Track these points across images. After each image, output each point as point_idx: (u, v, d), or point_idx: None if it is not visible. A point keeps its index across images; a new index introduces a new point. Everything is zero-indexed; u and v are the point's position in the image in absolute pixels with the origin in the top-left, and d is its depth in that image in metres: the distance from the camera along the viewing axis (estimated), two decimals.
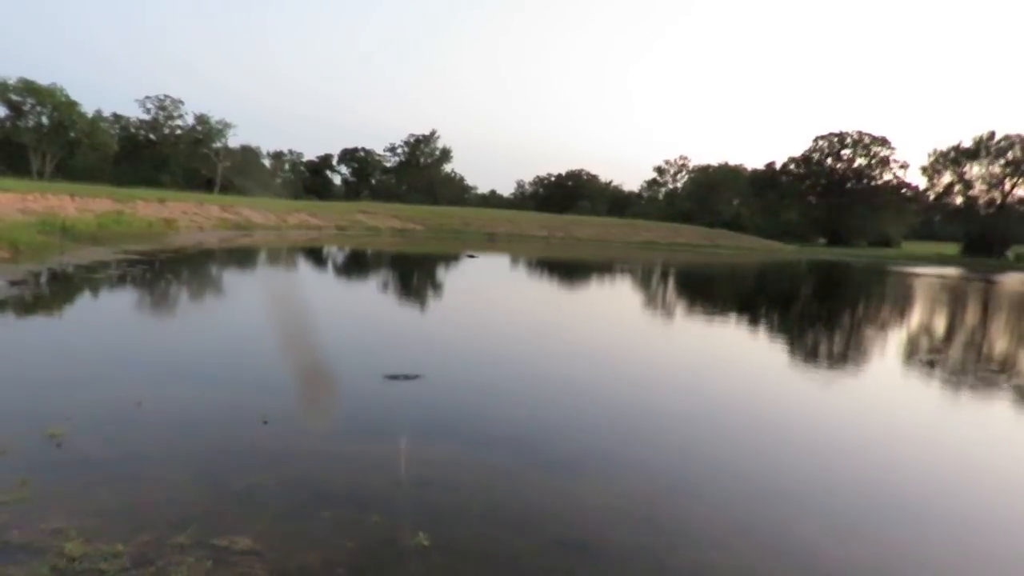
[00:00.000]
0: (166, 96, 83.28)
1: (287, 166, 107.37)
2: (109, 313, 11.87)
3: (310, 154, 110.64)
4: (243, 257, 25.90)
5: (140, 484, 4.62)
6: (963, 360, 13.30)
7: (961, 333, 17.96)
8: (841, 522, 4.90)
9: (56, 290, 13.83)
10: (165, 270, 18.21)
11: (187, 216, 36.96)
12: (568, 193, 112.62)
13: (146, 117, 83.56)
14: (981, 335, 17.68)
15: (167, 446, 5.39)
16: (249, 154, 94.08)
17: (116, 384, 7.05)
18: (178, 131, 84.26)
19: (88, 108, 73.37)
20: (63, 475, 4.70)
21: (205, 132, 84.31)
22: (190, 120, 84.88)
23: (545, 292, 22.61)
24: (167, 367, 8.02)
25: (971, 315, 22.98)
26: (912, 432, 7.78)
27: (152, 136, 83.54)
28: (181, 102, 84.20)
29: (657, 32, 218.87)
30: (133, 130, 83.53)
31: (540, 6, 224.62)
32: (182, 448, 5.38)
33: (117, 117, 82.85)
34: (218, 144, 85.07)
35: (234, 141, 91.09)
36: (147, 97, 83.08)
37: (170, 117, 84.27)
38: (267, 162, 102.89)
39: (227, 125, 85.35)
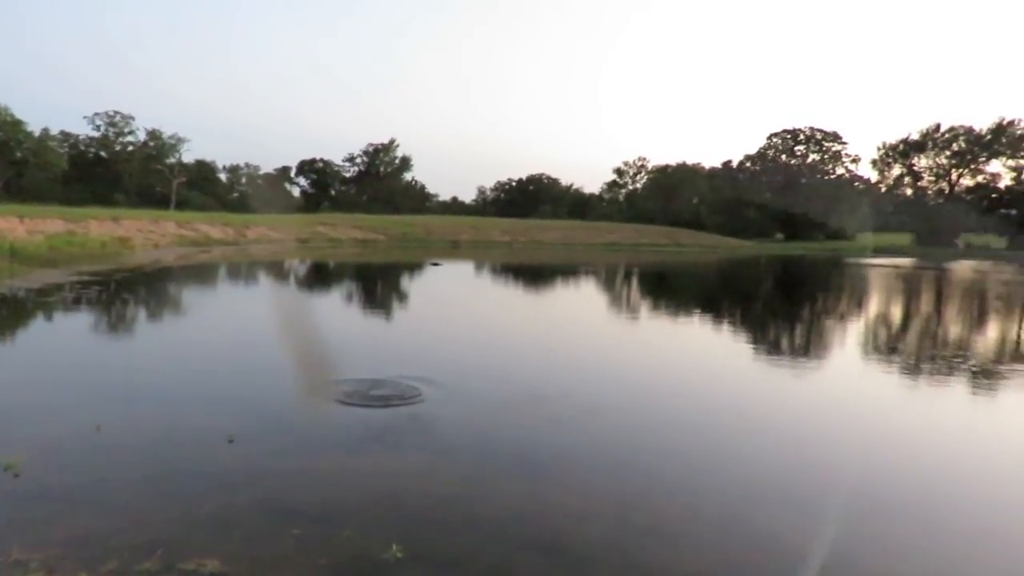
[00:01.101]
0: (116, 112, 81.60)
1: (244, 179, 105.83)
2: (64, 337, 11.55)
3: (267, 167, 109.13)
4: (202, 274, 25.44)
5: (103, 511, 4.50)
6: (922, 346, 13.68)
7: (918, 320, 18.47)
8: (811, 514, 4.99)
9: (6, 315, 13.41)
10: (121, 290, 17.79)
11: (142, 234, 36.17)
12: (530, 197, 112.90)
13: (96, 134, 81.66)
14: (937, 321, 18.20)
15: (129, 470, 5.26)
16: (205, 169, 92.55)
17: (73, 409, 6.86)
18: (130, 147, 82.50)
19: (35, 126, 71.53)
20: (22, 506, 4.55)
21: (158, 147, 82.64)
22: (142, 136, 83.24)
23: (510, 296, 22.64)
24: (126, 390, 7.83)
25: (926, 302, 23.65)
26: (877, 419, 7.96)
27: (103, 153, 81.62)
28: (132, 118, 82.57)
29: (612, 36, 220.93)
30: (83, 147, 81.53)
31: (495, 15, 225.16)
32: (145, 471, 5.25)
33: (66, 135, 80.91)
34: (172, 159, 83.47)
35: (188, 156, 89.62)
36: (96, 114, 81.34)
37: (121, 133, 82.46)
38: (223, 176, 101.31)
39: (180, 140, 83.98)
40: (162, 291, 19.68)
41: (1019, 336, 15.80)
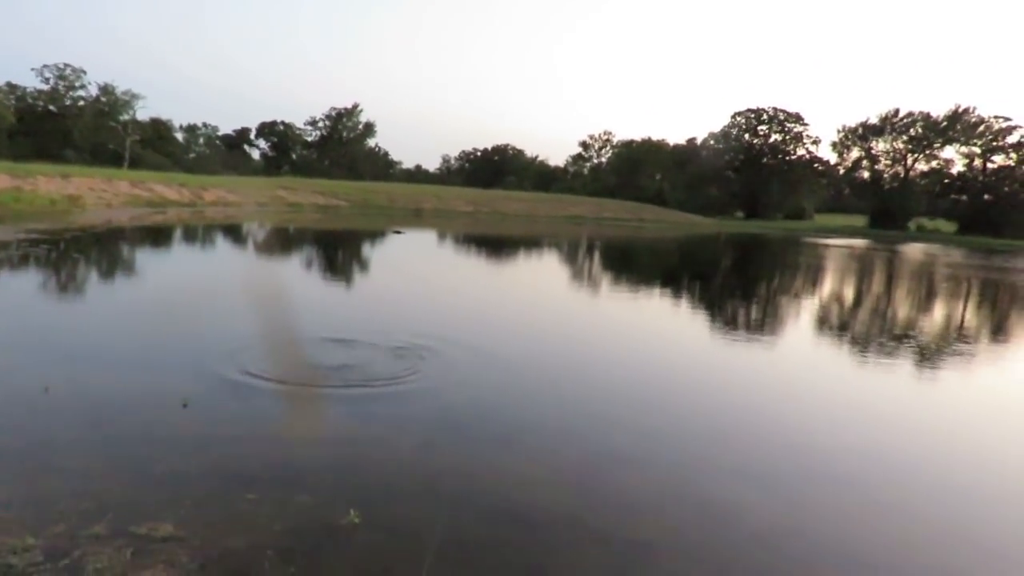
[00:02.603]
0: (66, 65, 77.78)
1: (202, 140, 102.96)
2: (10, 297, 11.15)
3: (226, 127, 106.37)
4: (156, 236, 24.75)
5: (50, 474, 4.39)
6: (871, 322, 14.07)
7: (869, 297, 18.97)
8: (765, 485, 5.12)
9: None
10: (71, 250, 17.22)
11: (94, 193, 34.96)
12: (494, 168, 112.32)
13: (44, 87, 78.02)
14: (887, 299, 18.72)
15: (78, 433, 5.13)
16: (160, 128, 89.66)
17: (20, 370, 6.65)
18: (81, 102, 79.05)
19: None
20: None
21: (110, 103, 79.37)
22: (94, 91, 79.70)
23: (474, 267, 22.58)
24: (76, 352, 7.61)
25: (877, 280, 24.30)
26: (832, 393, 8.20)
27: (52, 108, 78.09)
28: (83, 71, 78.97)
29: (582, 9, 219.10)
30: (31, 100, 77.85)
31: None
32: (95, 435, 5.13)
33: (12, 87, 77.13)
34: (126, 116, 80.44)
35: (143, 113, 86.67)
36: (45, 66, 77.32)
37: (71, 87, 78.78)
38: (180, 136, 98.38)
39: (134, 96, 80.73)
40: (115, 252, 19.12)
41: (952, 316, 16.36)
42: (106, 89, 79.47)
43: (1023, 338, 14.31)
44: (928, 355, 10.87)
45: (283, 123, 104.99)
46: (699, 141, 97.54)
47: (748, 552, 4.04)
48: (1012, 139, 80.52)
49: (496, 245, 31.99)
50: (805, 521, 4.56)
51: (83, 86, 79.27)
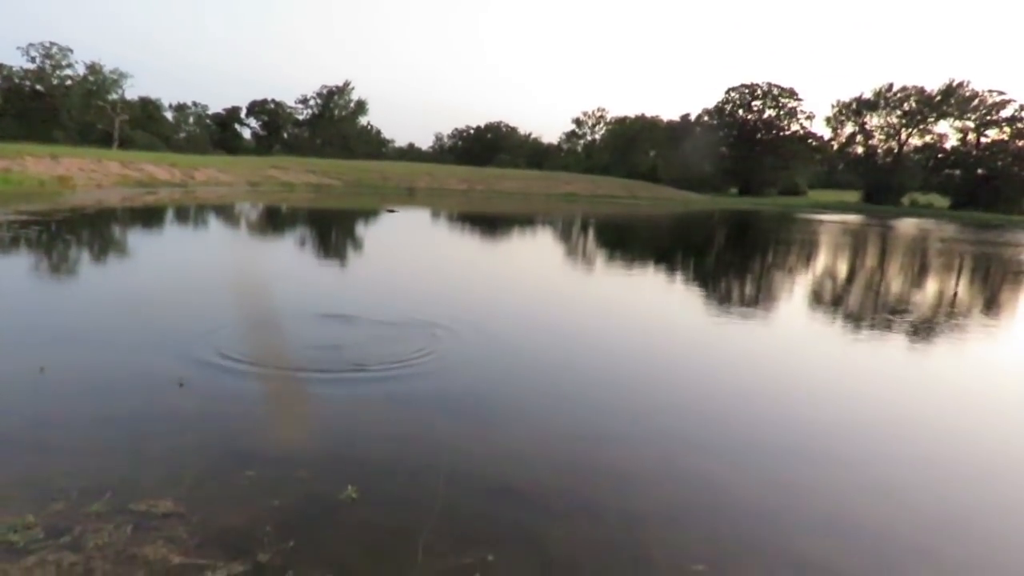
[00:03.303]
0: (52, 43, 76.79)
1: (191, 119, 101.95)
2: (2, 278, 11.11)
3: (216, 107, 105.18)
4: (148, 217, 24.61)
5: (48, 453, 4.42)
6: (864, 297, 14.16)
7: (862, 272, 19.06)
8: (757, 460, 5.19)
9: None
10: (63, 231, 17.12)
11: (84, 173, 34.70)
12: (488, 145, 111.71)
13: (31, 66, 76.97)
14: (880, 274, 18.81)
15: (75, 413, 5.15)
16: (149, 107, 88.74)
17: (15, 351, 6.66)
18: (68, 81, 78.08)
19: None
20: None
21: (98, 82, 78.44)
22: (81, 70, 78.71)
23: (467, 245, 22.56)
24: (71, 332, 7.60)
25: (871, 255, 24.40)
26: (822, 369, 8.28)
27: (39, 87, 77.10)
28: (70, 50, 77.88)
29: None
30: (17, 80, 76.83)
31: None
32: (92, 414, 5.16)
33: None
34: (114, 96, 79.54)
35: (132, 92, 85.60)
36: (31, 44, 76.33)
37: (58, 66, 77.73)
38: (169, 115, 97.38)
39: (122, 75, 79.79)
40: (107, 233, 19.01)
41: (944, 291, 16.47)
42: (93, 68, 78.51)
43: (1012, 312, 14.42)
44: (920, 330, 10.96)
45: (274, 101, 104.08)
46: (693, 117, 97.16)
47: (738, 524, 4.10)
48: (1006, 113, 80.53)
49: (490, 224, 31.92)
50: (798, 495, 4.63)
51: (70, 65, 78.33)
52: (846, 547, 3.88)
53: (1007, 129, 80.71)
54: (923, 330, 10.92)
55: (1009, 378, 8.56)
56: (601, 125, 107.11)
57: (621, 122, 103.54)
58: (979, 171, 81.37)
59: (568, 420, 5.75)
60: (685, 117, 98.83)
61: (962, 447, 5.83)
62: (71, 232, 17.34)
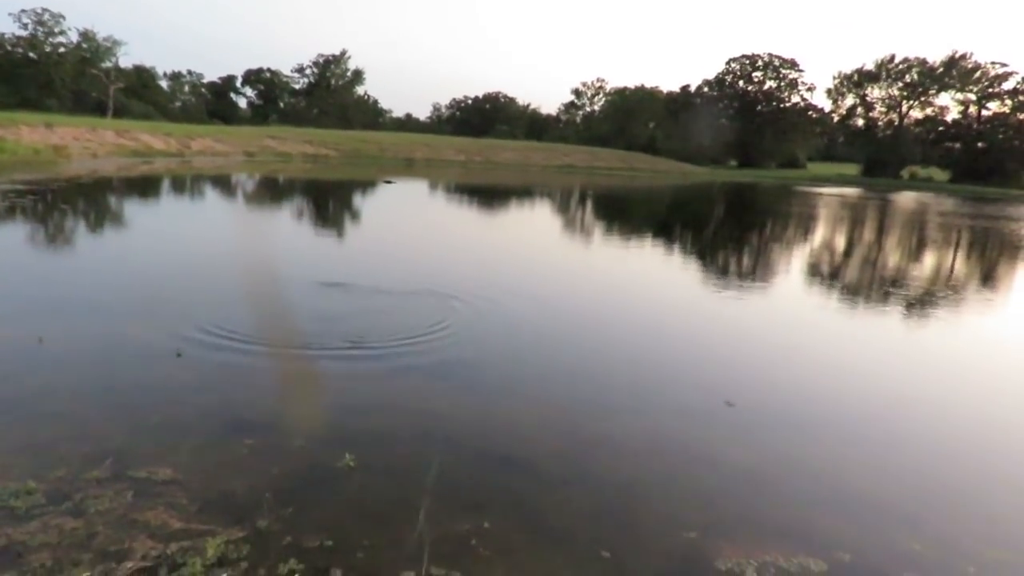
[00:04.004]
0: (44, 9, 75.45)
1: (187, 88, 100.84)
2: None
3: (211, 75, 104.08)
4: (145, 186, 24.47)
5: (48, 421, 4.45)
6: (861, 270, 14.19)
7: (860, 246, 19.08)
8: (753, 432, 5.25)
9: None
10: (59, 201, 17.02)
11: (79, 142, 34.36)
12: (486, 116, 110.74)
13: (23, 33, 75.78)
14: (877, 248, 18.83)
15: (74, 382, 5.18)
16: (144, 75, 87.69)
17: (12, 320, 6.67)
18: (61, 49, 76.94)
19: None
20: None
21: (92, 50, 77.28)
22: (74, 36, 77.47)
23: (465, 216, 22.49)
24: (69, 303, 7.61)
25: (869, 229, 24.40)
26: (818, 339, 8.33)
27: (32, 55, 75.98)
28: (62, 16, 76.62)
29: None
30: (9, 47, 75.72)
31: None
32: (91, 383, 5.19)
33: None
34: (108, 63, 78.47)
35: (126, 60, 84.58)
36: (23, 10, 74.96)
37: (51, 33, 76.39)
38: (164, 84, 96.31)
39: (116, 43, 78.49)
40: (104, 204, 18.92)
41: (942, 263, 16.50)
42: (87, 35, 77.23)
43: (1008, 285, 14.47)
44: (916, 301, 11.00)
45: (269, 70, 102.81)
46: (693, 88, 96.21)
47: (730, 494, 4.16)
48: (1008, 85, 79.87)
49: (489, 195, 31.79)
50: (791, 466, 4.69)
51: (63, 32, 76.96)
52: (837, 516, 3.95)
53: (1008, 102, 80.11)
54: (920, 303, 10.96)
55: (1006, 350, 8.62)
56: (600, 96, 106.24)
57: (620, 93, 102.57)
58: (979, 144, 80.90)
59: (566, 393, 5.80)
60: (685, 88, 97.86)
61: (958, 420, 5.90)
62: (68, 202, 17.24)
